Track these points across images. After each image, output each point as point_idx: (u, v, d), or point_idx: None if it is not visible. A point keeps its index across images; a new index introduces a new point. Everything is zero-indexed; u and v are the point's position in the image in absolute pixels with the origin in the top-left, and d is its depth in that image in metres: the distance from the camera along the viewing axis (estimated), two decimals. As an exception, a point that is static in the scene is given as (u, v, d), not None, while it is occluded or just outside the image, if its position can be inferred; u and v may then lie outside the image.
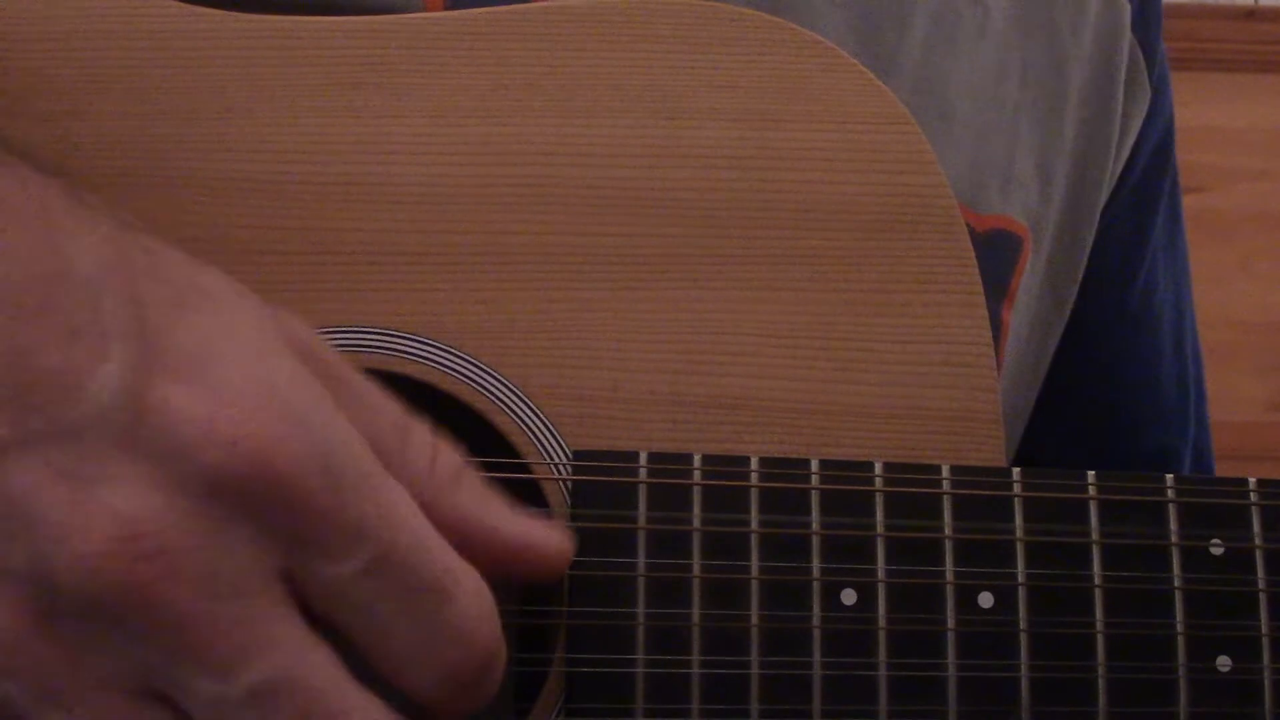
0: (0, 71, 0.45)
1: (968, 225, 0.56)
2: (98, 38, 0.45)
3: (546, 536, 0.39)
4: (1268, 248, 1.64)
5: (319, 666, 0.34)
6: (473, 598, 0.36)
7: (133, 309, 0.34)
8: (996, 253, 0.58)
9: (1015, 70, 0.61)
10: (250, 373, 0.34)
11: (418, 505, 0.36)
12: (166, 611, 0.32)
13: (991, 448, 0.45)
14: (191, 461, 0.33)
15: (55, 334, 0.33)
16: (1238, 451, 1.55)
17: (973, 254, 0.46)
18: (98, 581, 0.32)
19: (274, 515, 0.33)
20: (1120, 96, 0.64)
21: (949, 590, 0.43)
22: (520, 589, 0.47)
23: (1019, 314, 0.60)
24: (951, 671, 0.42)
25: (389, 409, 0.37)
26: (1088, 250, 0.64)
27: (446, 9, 0.50)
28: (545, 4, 0.48)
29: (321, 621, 0.35)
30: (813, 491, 0.43)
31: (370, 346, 0.45)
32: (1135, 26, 0.65)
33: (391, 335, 0.45)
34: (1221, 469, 0.47)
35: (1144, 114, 0.66)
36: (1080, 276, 0.64)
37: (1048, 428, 0.64)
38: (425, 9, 0.50)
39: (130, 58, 0.45)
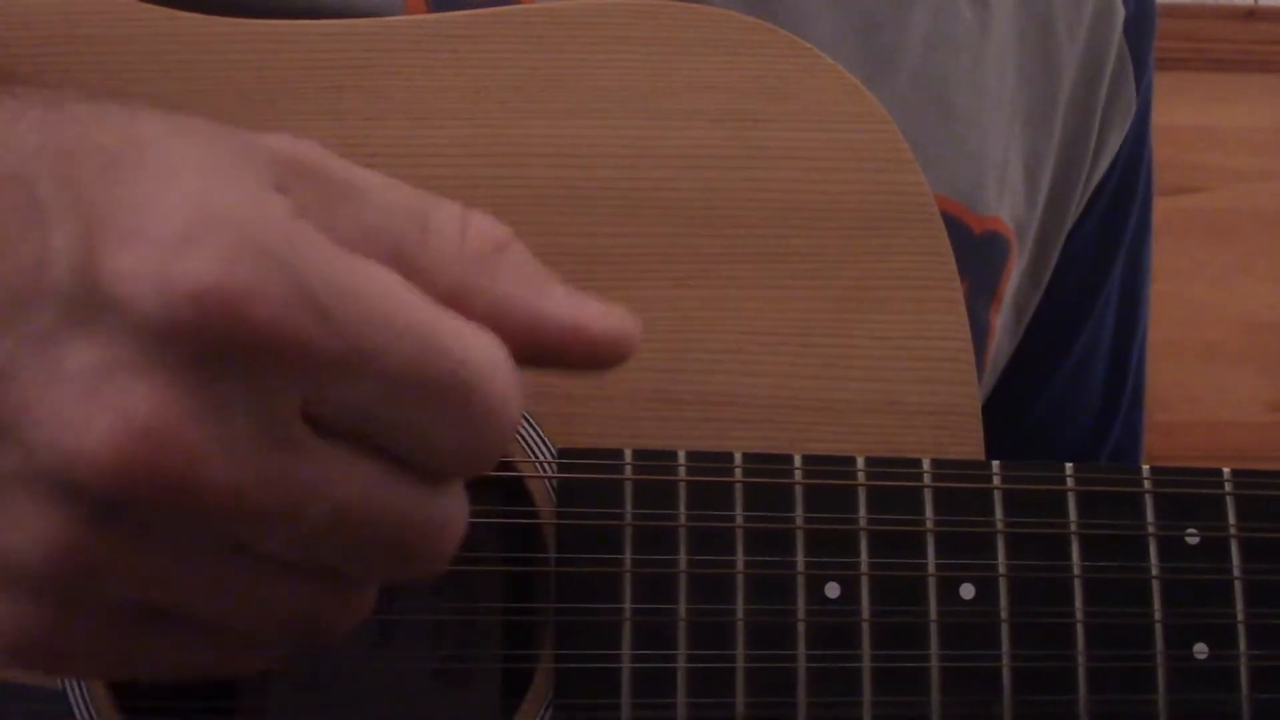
0: None
1: (966, 226, 0.58)
2: (78, 43, 0.46)
3: (602, 313, 0.36)
4: (1268, 248, 1.66)
5: (374, 481, 0.33)
6: (492, 377, 0.34)
7: (68, 187, 0.32)
8: (989, 256, 0.59)
9: (1012, 70, 0.62)
10: (197, 214, 0.32)
11: (446, 293, 0.34)
12: (206, 491, 0.32)
13: (971, 441, 0.47)
14: (163, 329, 0.31)
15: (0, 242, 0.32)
16: (1237, 451, 1.56)
17: (951, 251, 0.48)
18: (126, 486, 0.31)
19: (268, 363, 0.32)
20: (1101, 105, 0.64)
21: (931, 582, 0.44)
22: (508, 584, 0.48)
23: (1002, 319, 0.61)
24: (934, 662, 0.43)
25: (401, 198, 0.35)
26: (1052, 267, 0.64)
27: (428, 11, 0.51)
28: (526, 6, 0.49)
29: (352, 434, 0.34)
30: (796, 486, 0.44)
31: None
32: (1129, 30, 0.65)
33: None
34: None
35: (1125, 128, 0.66)
36: (1043, 289, 0.64)
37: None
38: (406, 12, 0.51)
39: (111, 62, 0.46)
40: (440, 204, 0.35)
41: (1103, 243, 0.67)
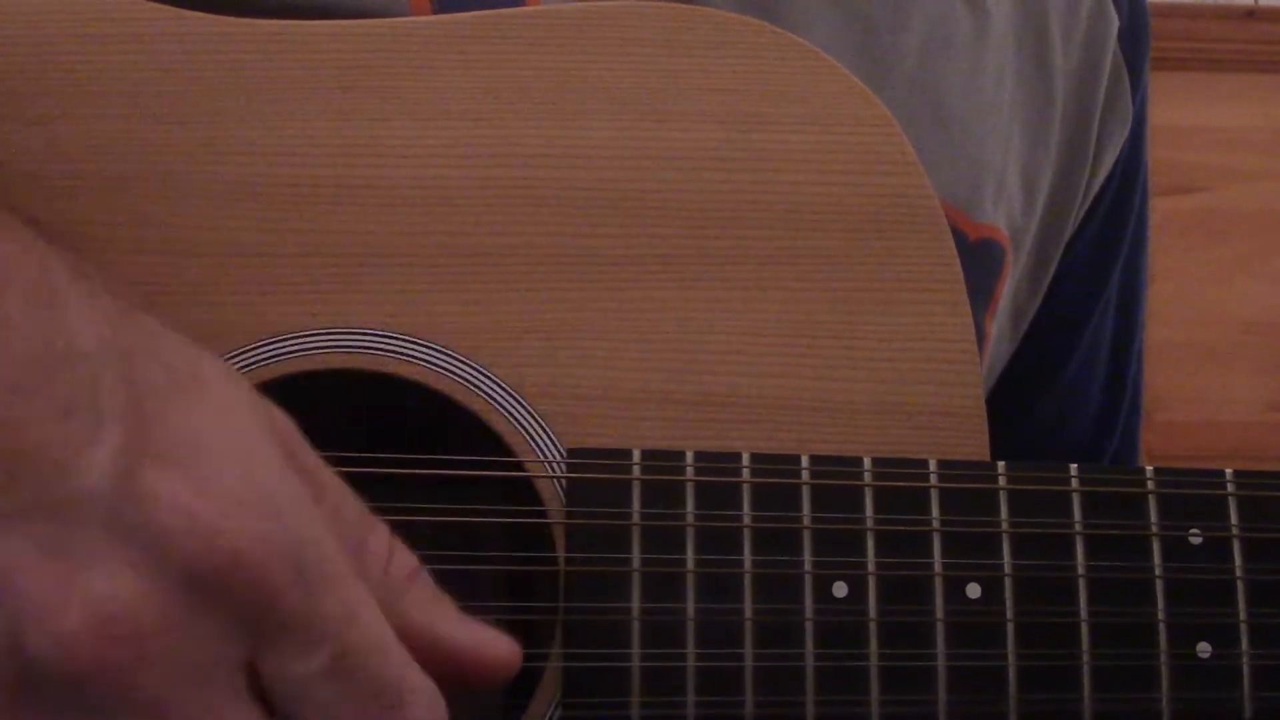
0: None
1: (962, 233, 0.59)
2: (87, 41, 0.47)
3: (495, 643, 0.41)
4: (1268, 248, 1.67)
5: None
6: (426, 704, 0.38)
7: (129, 391, 0.35)
8: (984, 262, 0.60)
9: (1010, 78, 0.63)
10: (237, 467, 0.36)
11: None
12: (134, 694, 0.34)
13: (976, 442, 0.48)
14: (173, 551, 0.34)
15: (50, 410, 0.34)
16: (1237, 451, 1.57)
17: (955, 254, 0.49)
18: (71, 660, 0.34)
19: (244, 610, 0.35)
20: (1098, 114, 0.65)
21: (937, 581, 0.45)
22: (517, 583, 0.49)
23: (998, 325, 0.61)
24: (941, 661, 0.44)
25: (354, 508, 0.40)
26: (1053, 270, 0.65)
27: (434, 12, 0.51)
28: (533, 8, 0.50)
29: (282, 717, 0.37)
30: (803, 486, 0.45)
31: (363, 348, 0.47)
32: (1123, 38, 0.66)
33: (384, 336, 0.47)
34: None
35: (1123, 138, 0.67)
36: (1043, 295, 0.65)
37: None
38: (411, 12, 0.51)
39: (120, 62, 0.47)
40: (376, 526, 0.40)
41: (1101, 252, 0.68)
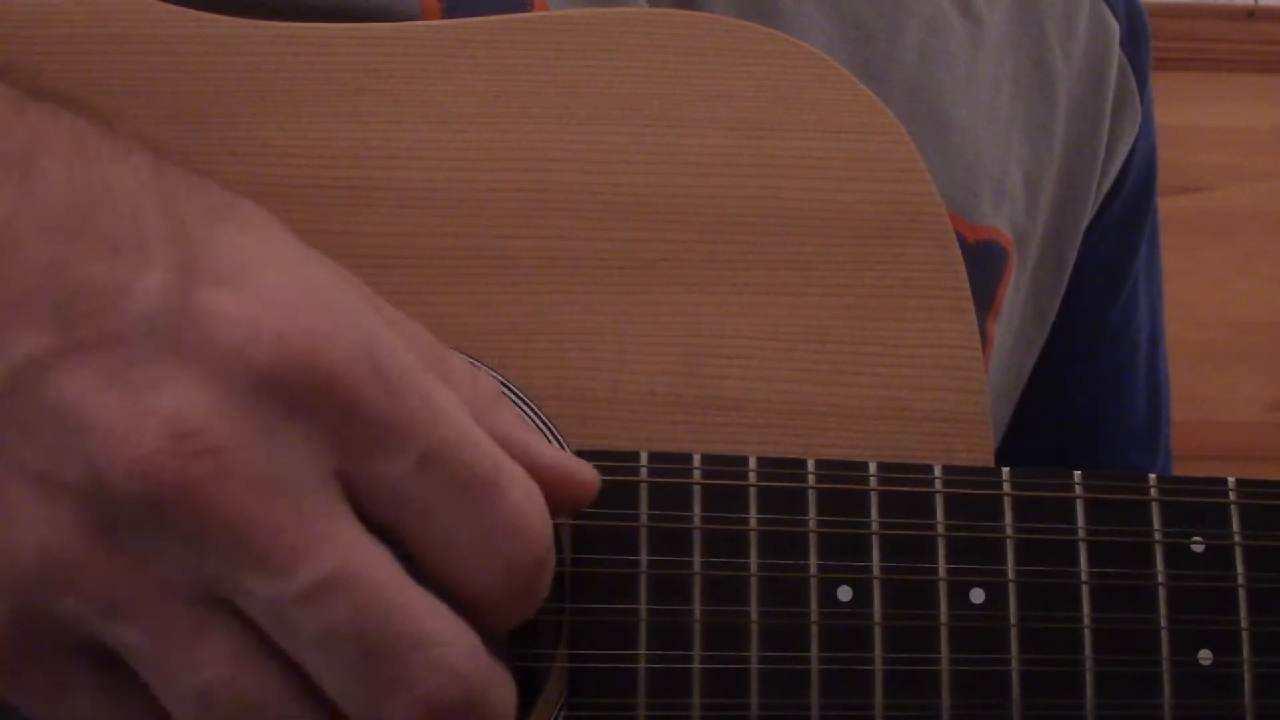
0: (5, 74, 0.46)
1: (960, 235, 0.59)
2: (103, 41, 0.47)
3: (580, 466, 0.40)
4: (1268, 248, 1.67)
5: (374, 563, 0.34)
6: (523, 490, 0.36)
7: (173, 221, 0.35)
8: (985, 264, 0.61)
9: (1008, 83, 0.63)
10: (292, 276, 0.35)
11: None
12: (221, 510, 0.33)
13: (981, 448, 0.48)
14: (240, 361, 0.33)
15: (97, 247, 0.33)
16: (1238, 451, 1.57)
17: (962, 261, 0.49)
18: (151, 483, 0.32)
19: (324, 412, 0.34)
20: (1108, 115, 0.66)
21: (942, 586, 0.45)
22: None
23: (1002, 327, 0.62)
24: (945, 665, 0.44)
25: (426, 334, 0.39)
26: (1070, 267, 0.66)
27: (444, 14, 0.52)
28: (545, 13, 0.50)
29: (377, 526, 0.36)
30: (810, 491, 0.45)
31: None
32: (1125, 44, 0.67)
33: None
34: (1221, 469, 0.50)
35: (1134, 134, 0.68)
36: (1062, 292, 0.65)
37: (1019, 442, 0.66)
38: (422, 14, 0.52)
39: (135, 62, 0.47)
40: (452, 353, 0.39)
41: (1121, 241, 0.69)
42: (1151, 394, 0.72)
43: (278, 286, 0.34)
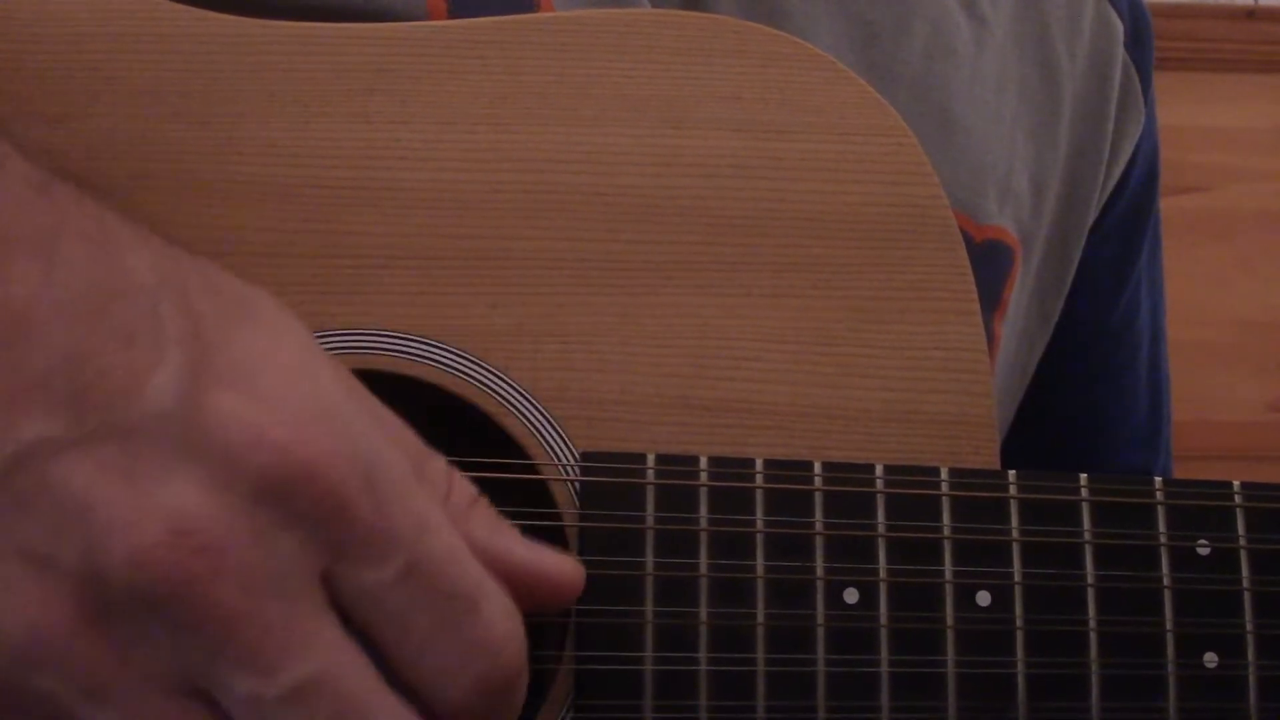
0: (12, 73, 0.46)
1: (967, 235, 0.59)
2: (110, 40, 0.47)
3: (560, 565, 0.41)
4: (1268, 248, 1.67)
5: (354, 669, 0.36)
6: (500, 610, 0.38)
7: (188, 318, 0.36)
8: (992, 264, 0.61)
9: (1013, 84, 0.63)
10: (300, 385, 0.36)
11: None
12: (212, 606, 0.34)
13: (987, 451, 0.48)
14: (244, 465, 0.34)
15: (114, 338, 0.35)
16: (1238, 451, 1.57)
17: (968, 263, 0.49)
18: (148, 573, 0.33)
19: (318, 520, 0.35)
20: (1112, 115, 0.67)
21: (948, 589, 0.45)
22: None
23: (1008, 326, 0.62)
24: (951, 668, 0.45)
25: (409, 437, 0.40)
26: (1074, 267, 0.66)
27: (450, 15, 0.52)
28: (552, 14, 0.50)
29: (356, 631, 0.37)
30: (816, 493, 0.45)
31: (380, 349, 0.47)
32: (1128, 45, 0.68)
33: (401, 338, 0.47)
34: (1221, 469, 0.50)
35: (1137, 135, 0.68)
36: (1066, 292, 0.66)
37: (1022, 440, 0.66)
38: (429, 15, 0.52)
39: (142, 61, 0.47)
40: (433, 455, 0.40)
41: (1124, 241, 0.69)
42: (1153, 394, 0.72)
43: (284, 394, 0.35)
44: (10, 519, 0.34)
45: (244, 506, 0.34)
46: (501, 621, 0.38)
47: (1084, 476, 0.46)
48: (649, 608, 0.44)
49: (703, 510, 0.45)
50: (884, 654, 0.44)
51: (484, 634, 0.37)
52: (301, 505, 0.35)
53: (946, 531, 0.45)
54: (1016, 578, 0.45)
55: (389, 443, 0.38)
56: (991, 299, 0.61)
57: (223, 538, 0.34)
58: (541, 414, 0.47)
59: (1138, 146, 0.68)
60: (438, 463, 0.40)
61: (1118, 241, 0.69)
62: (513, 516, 0.47)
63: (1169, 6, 1.65)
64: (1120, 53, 0.67)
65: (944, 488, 0.46)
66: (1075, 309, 0.67)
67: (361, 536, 0.36)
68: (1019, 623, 0.45)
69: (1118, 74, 0.67)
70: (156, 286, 0.36)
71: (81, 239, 0.36)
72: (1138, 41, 0.69)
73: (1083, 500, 0.46)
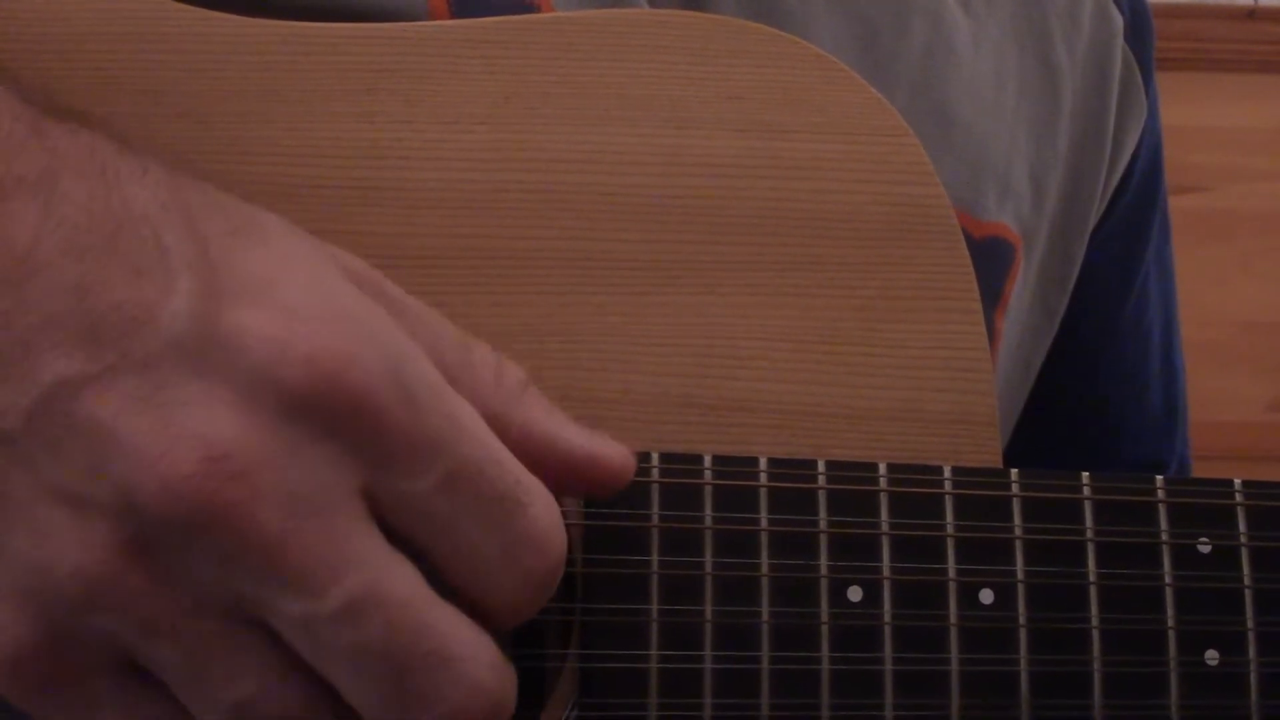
0: (14, 73, 0.47)
1: (967, 232, 0.59)
2: (112, 40, 0.47)
3: (612, 448, 0.41)
4: (1268, 248, 1.68)
5: (403, 581, 0.35)
6: (543, 506, 0.37)
7: (194, 242, 0.35)
8: (992, 260, 0.61)
9: (1012, 80, 0.64)
10: (315, 294, 0.35)
11: (484, 419, 0.38)
12: (254, 531, 0.33)
13: (990, 450, 0.48)
14: (269, 380, 0.34)
15: (121, 271, 0.34)
16: (1238, 451, 1.58)
17: (971, 264, 0.49)
18: (185, 504, 0.33)
19: (352, 432, 0.35)
20: (1113, 109, 0.67)
21: (951, 587, 0.46)
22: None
23: (1010, 322, 0.63)
24: (954, 666, 0.45)
25: (449, 328, 0.39)
26: (1078, 262, 0.66)
27: (452, 15, 0.52)
28: (556, 14, 0.51)
29: (400, 538, 0.36)
30: (820, 491, 0.46)
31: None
32: (1128, 38, 0.68)
33: None
34: (1221, 469, 0.50)
35: (1140, 130, 0.68)
36: (1070, 288, 0.66)
37: (1035, 437, 0.67)
38: (431, 15, 0.52)
39: (144, 61, 0.47)
40: (478, 341, 0.40)
41: (1130, 234, 0.69)
42: (1167, 384, 0.72)
43: (302, 304, 0.35)
44: (42, 462, 0.34)
45: (274, 425, 0.34)
46: (544, 517, 0.37)
47: (1086, 475, 0.47)
48: (654, 606, 0.45)
49: (707, 509, 0.46)
50: (888, 652, 0.45)
51: (528, 532, 0.37)
52: (333, 417, 0.34)
53: (949, 530, 0.46)
54: (1019, 576, 0.46)
55: (422, 341, 0.37)
56: (993, 295, 0.61)
57: (256, 461, 0.33)
58: None
59: (1140, 141, 0.69)
60: (482, 350, 0.40)
61: (1124, 238, 0.69)
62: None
63: (1169, 6, 1.66)
64: (1120, 45, 0.67)
65: (947, 486, 0.46)
66: (1085, 306, 0.67)
67: (399, 446, 0.35)
68: (1021, 620, 0.46)
69: (1117, 68, 0.67)
70: (160, 214, 0.35)
71: (79, 176, 0.35)
72: (1137, 34, 0.69)
73: (1085, 499, 0.46)
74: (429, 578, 0.37)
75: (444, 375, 0.37)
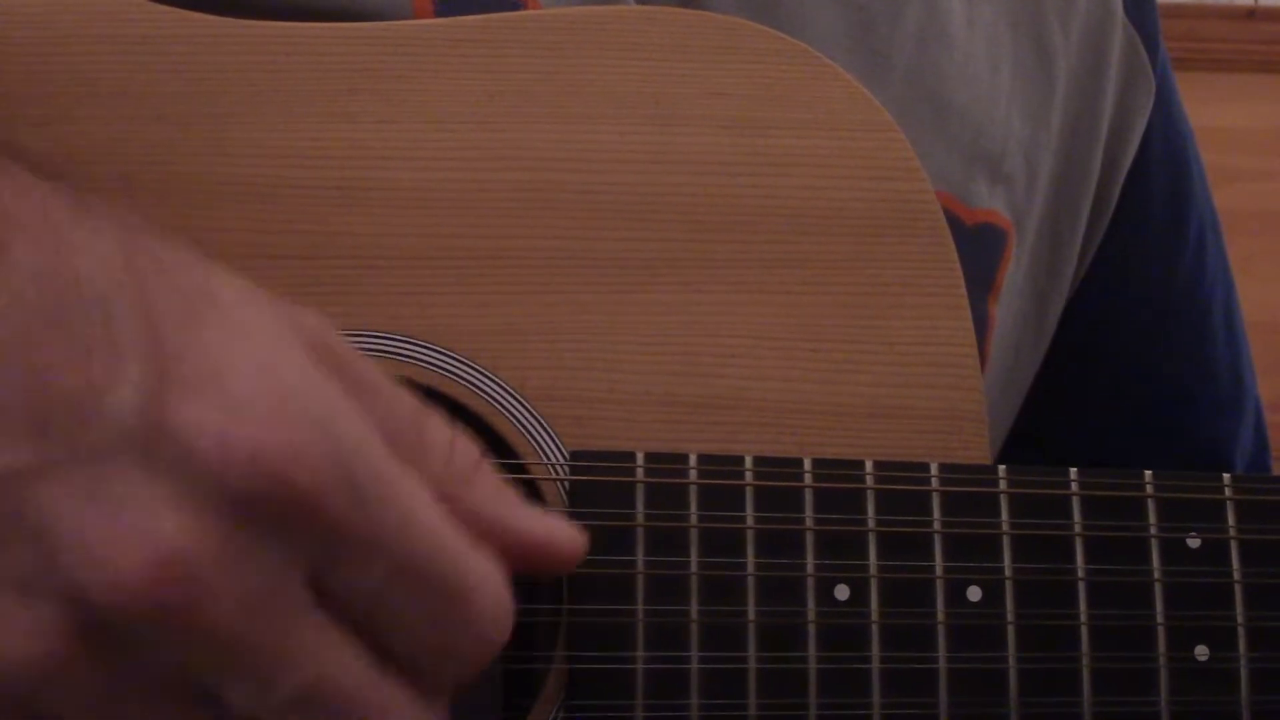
0: None
1: (959, 219, 0.60)
2: (91, 42, 0.47)
3: (562, 532, 0.41)
4: (1268, 248, 1.68)
5: (351, 668, 0.36)
6: (491, 596, 0.38)
7: (145, 324, 0.35)
8: (984, 247, 0.61)
9: (1006, 61, 0.64)
10: (265, 382, 0.35)
11: (434, 497, 0.38)
12: (205, 631, 0.34)
13: (977, 445, 0.49)
14: (212, 479, 0.34)
15: (69, 354, 0.34)
16: (1237, 454, 1.58)
17: (957, 258, 0.50)
18: (136, 603, 0.33)
19: (297, 529, 0.35)
20: (1110, 90, 0.66)
21: (939, 584, 0.46)
22: (520, 587, 0.49)
23: (1003, 308, 0.63)
24: (942, 664, 0.45)
25: (405, 401, 0.39)
26: (1074, 246, 0.66)
27: (436, 14, 0.52)
28: (538, 11, 0.51)
29: (349, 621, 0.37)
30: (806, 489, 0.46)
31: (368, 350, 0.47)
32: (1129, 12, 0.67)
33: (389, 338, 0.48)
34: (1222, 468, 0.51)
35: (1149, 107, 0.67)
36: (1068, 273, 0.66)
37: (1104, 423, 0.66)
38: (415, 14, 0.52)
39: (125, 63, 0.48)
40: (433, 415, 0.40)
41: (1169, 218, 0.69)
42: (1232, 357, 0.70)
43: (249, 395, 0.35)
44: None
45: (222, 525, 0.34)
46: (492, 608, 0.38)
47: (1074, 470, 0.47)
48: (640, 606, 0.45)
49: (693, 508, 0.46)
50: (875, 650, 0.45)
51: (476, 625, 0.38)
52: (279, 515, 0.35)
53: (936, 526, 0.46)
54: (1007, 572, 0.46)
55: (372, 421, 0.37)
56: (985, 281, 0.61)
57: (204, 564, 0.34)
58: (530, 413, 0.48)
59: (1151, 118, 0.67)
60: (436, 426, 0.39)
61: (1165, 216, 0.68)
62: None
63: (1169, 6, 1.66)
64: (1118, 25, 0.67)
65: (934, 483, 0.47)
66: (1132, 284, 0.66)
67: (344, 542, 0.36)
68: (1010, 617, 0.46)
69: (1115, 47, 0.66)
70: (112, 290, 0.35)
71: (28, 244, 0.35)
72: (1139, 7, 0.68)
73: (1073, 494, 0.47)
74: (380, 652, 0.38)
75: (395, 453, 0.38)
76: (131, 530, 0.34)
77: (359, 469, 0.36)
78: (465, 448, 0.40)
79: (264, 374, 0.36)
